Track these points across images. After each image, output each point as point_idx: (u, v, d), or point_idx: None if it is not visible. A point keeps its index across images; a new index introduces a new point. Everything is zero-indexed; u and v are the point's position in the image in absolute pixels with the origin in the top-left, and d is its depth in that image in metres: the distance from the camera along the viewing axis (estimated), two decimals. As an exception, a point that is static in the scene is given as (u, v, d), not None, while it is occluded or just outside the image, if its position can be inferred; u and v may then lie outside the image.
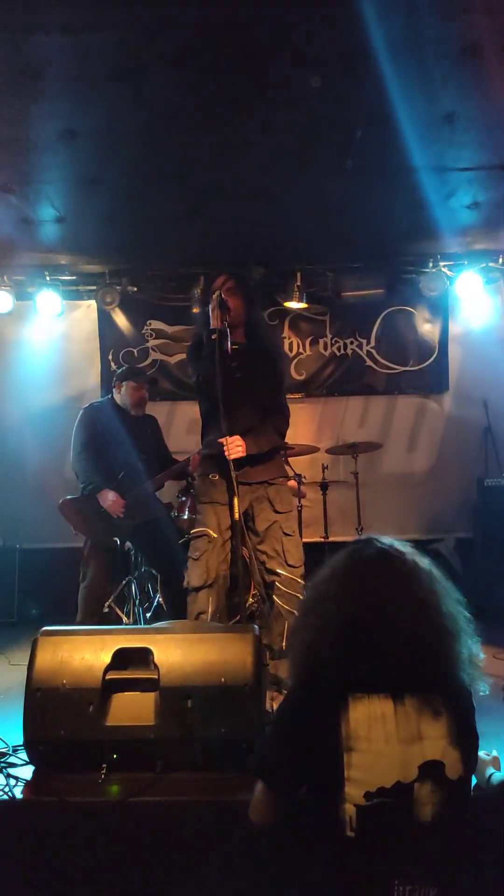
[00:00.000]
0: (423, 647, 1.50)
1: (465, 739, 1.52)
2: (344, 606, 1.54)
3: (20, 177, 4.12)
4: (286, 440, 3.76)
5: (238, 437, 3.25)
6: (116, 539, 4.28)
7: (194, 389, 3.62)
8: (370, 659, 1.49)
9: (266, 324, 4.13)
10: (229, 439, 3.24)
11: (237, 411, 3.26)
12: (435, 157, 3.90)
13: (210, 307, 3.29)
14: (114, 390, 4.70)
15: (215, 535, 3.36)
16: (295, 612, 3.36)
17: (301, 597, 3.39)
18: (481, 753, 1.83)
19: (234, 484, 3.23)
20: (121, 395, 4.64)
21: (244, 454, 3.26)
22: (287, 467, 4.07)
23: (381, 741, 1.47)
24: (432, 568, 1.62)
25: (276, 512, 3.43)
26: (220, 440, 3.26)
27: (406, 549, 1.63)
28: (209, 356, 3.26)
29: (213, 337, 3.23)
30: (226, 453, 3.23)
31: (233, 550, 3.35)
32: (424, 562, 1.62)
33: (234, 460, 3.24)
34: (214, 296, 3.28)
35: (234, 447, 3.24)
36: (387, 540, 1.64)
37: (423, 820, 1.47)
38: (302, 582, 3.40)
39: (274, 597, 3.39)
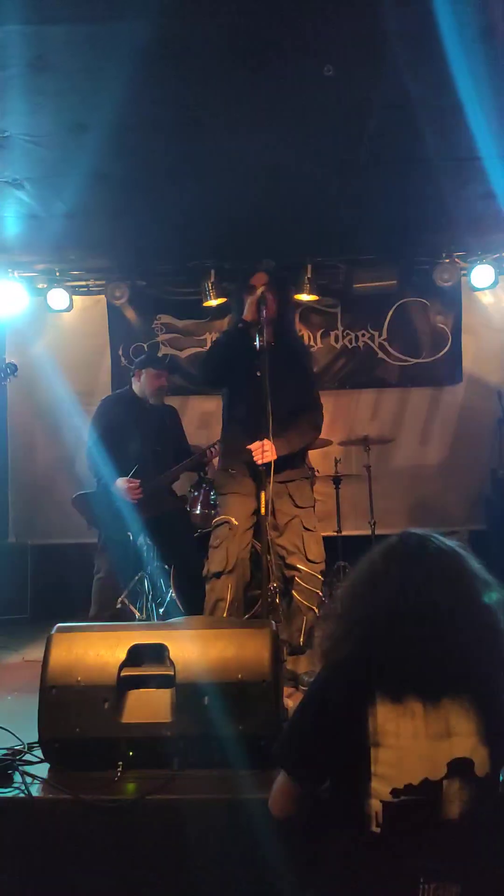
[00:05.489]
0: (457, 645, 1.47)
1: (496, 737, 1.49)
2: (378, 600, 1.52)
3: (29, 172, 4.10)
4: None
5: (268, 441, 3.22)
6: (130, 533, 4.26)
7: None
8: (401, 655, 1.46)
9: (294, 326, 4.16)
10: (258, 444, 3.21)
11: (261, 410, 3.22)
12: (449, 146, 3.84)
13: (248, 300, 3.33)
14: (133, 379, 4.66)
15: (236, 523, 3.38)
16: (314, 608, 3.35)
17: (320, 593, 3.38)
18: None
19: (263, 479, 3.20)
20: (140, 384, 4.59)
21: (274, 458, 3.23)
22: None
23: (409, 737, 1.44)
24: (472, 562, 1.57)
25: (297, 507, 3.43)
26: (249, 447, 3.24)
27: (447, 543, 1.59)
28: (231, 346, 3.33)
29: (238, 326, 3.31)
30: (255, 459, 3.21)
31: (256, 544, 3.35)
32: (464, 556, 1.58)
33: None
34: (258, 291, 3.31)
35: (265, 453, 3.21)
36: (428, 534, 1.60)
37: (450, 817, 1.45)
38: (321, 578, 3.39)
39: (293, 592, 3.38)
